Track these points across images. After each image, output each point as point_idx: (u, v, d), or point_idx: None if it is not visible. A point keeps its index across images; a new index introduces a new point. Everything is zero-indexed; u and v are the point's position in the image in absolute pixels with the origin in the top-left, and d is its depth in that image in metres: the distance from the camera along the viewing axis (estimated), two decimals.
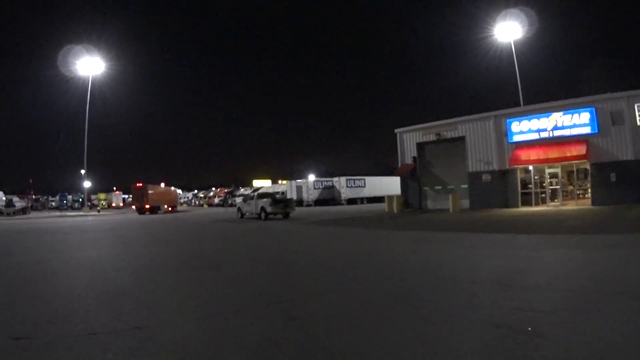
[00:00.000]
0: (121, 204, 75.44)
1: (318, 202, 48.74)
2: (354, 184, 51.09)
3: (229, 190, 66.36)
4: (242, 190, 60.87)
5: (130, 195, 59.62)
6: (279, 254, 13.14)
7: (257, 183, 79.37)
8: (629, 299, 5.79)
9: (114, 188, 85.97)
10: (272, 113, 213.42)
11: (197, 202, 70.74)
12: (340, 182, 49.89)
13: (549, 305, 5.70)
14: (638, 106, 25.84)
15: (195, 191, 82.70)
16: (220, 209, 48.99)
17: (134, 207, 48.82)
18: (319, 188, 50.34)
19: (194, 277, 9.16)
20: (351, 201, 49.29)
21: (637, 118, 25.91)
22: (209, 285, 8.28)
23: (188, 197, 78.22)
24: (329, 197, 49.52)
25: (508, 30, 33.52)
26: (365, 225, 22.62)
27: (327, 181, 51.93)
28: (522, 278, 7.59)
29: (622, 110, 26.17)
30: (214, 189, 77.25)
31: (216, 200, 62.12)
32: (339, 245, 14.83)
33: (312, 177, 56.15)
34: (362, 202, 50.01)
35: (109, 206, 73.23)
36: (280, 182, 69.70)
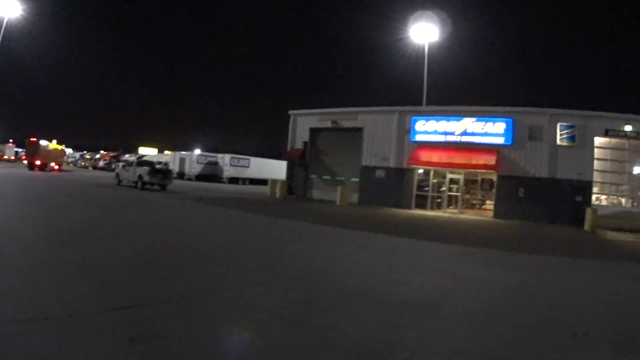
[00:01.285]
0: (13, 157, 67.56)
1: (200, 177, 43.15)
2: (238, 162, 45.16)
3: (115, 154, 61.42)
4: (126, 156, 54.13)
5: (24, 150, 52.76)
6: (149, 234, 10.11)
7: (143, 150, 71.77)
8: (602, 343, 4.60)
9: (10, 140, 74.26)
10: (171, 82, 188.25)
11: (83, 164, 65.60)
12: (224, 159, 44.22)
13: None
14: (561, 125, 22.96)
15: (85, 152, 74.66)
16: (104, 173, 44.52)
17: (25, 161, 44.63)
18: (202, 163, 44.39)
19: (37, 254, 6.86)
20: (233, 180, 43.74)
21: (558, 137, 22.92)
22: (52, 268, 6.06)
23: (75, 158, 71.39)
24: (211, 173, 44.06)
25: (423, 33, 28.78)
26: (246, 208, 18.52)
27: (211, 156, 45.81)
28: (453, 304, 5.83)
29: (542, 126, 23.16)
30: (102, 151, 70.23)
31: (101, 163, 57.86)
32: (217, 230, 12.04)
33: (197, 151, 49.19)
34: (244, 183, 44.45)
35: (1, 158, 64.20)
36: (166, 152, 62.60)
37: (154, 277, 6.11)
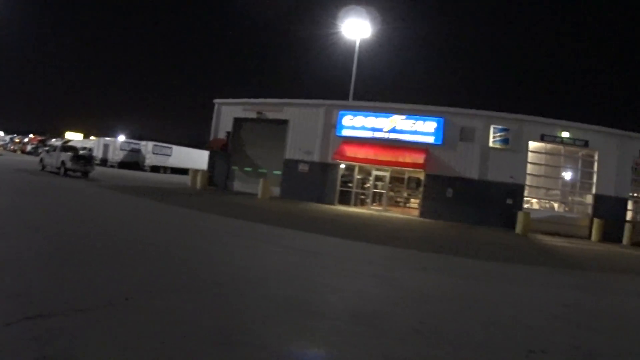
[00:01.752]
0: None
1: (122, 164, 40.67)
2: (161, 151, 42.47)
3: (42, 139, 58.35)
4: (53, 140, 50.92)
5: None
6: (61, 227, 8.62)
7: (69, 135, 67.61)
8: None
9: None
10: (100, 66, 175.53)
11: (12, 147, 62.61)
12: (147, 147, 41.49)
13: None
14: (494, 128, 22.10)
15: (15, 135, 71.30)
16: (31, 157, 40.90)
17: None
18: (125, 150, 41.50)
19: None
20: (155, 169, 41.35)
21: (491, 139, 22.05)
22: None
23: (5, 141, 68.48)
24: (133, 161, 41.52)
25: (355, 28, 27.70)
26: (164, 199, 16.60)
27: (135, 144, 42.89)
28: (393, 318, 5.02)
29: (475, 127, 22.21)
30: (31, 135, 66.97)
31: (29, 147, 54.82)
32: (132, 224, 10.44)
33: (121, 138, 45.64)
34: (165, 172, 41.94)
35: None
36: (91, 137, 59.20)
37: (63, 280, 5.10)
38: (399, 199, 25.38)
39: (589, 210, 22.94)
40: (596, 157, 23.13)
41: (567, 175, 23.56)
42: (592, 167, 23.31)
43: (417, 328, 4.74)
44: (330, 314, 4.92)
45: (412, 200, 24.47)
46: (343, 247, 10.18)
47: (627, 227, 21.46)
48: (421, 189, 22.64)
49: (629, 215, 23.42)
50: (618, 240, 21.19)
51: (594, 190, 22.91)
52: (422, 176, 22.79)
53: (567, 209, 23.67)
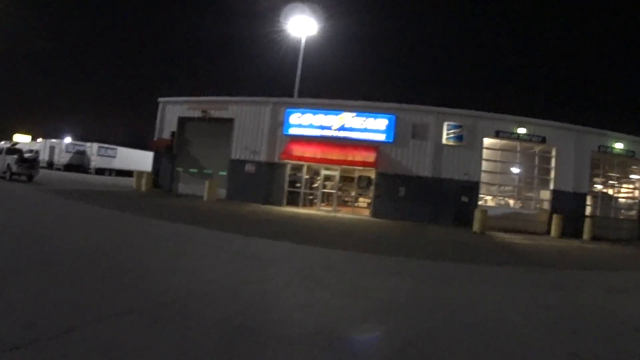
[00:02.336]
0: None
1: (68, 166, 38.62)
2: (106, 152, 40.35)
3: None
4: (2, 143, 48.68)
5: None
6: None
7: (18, 138, 61.59)
8: None
9: None
10: (47, 65, 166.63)
11: None
12: (92, 149, 39.45)
13: None
14: (448, 124, 20.95)
15: None
16: None
17: None
18: (71, 152, 39.37)
19: None
20: (100, 171, 39.34)
21: (444, 136, 20.89)
22: None
23: None
24: (79, 163, 39.46)
25: (301, 26, 26.44)
26: (107, 203, 14.99)
27: (80, 145, 40.71)
28: (373, 338, 4.36)
29: (427, 124, 20.93)
30: None
31: None
32: (73, 233, 8.87)
33: (67, 139, 43.17)
34: (110, 174, 39.97)
35: None
36: (39, 139, 53.07)
37: None
38: (349, 199, 23.96)
39: (547, 206, 21.97)
40: (553, 153, 22.11)
41: (524, 171, 22.37)
42: (549, 163, 22.28)
43: (403, 350, 4.01)
44: (301, 338, 3.97)
45: (362, 199, 23.02)
46: (298, 253, 9.06)
47: (586, 222, 20.72)
48: (372, 188, 21.18)
49: (587, 210, 22.47)
50: (578, 235, 20.43)
51: (551, 186, 21.92)
52: (373, 175, 21.36)
53: (522, 205, 22.54)
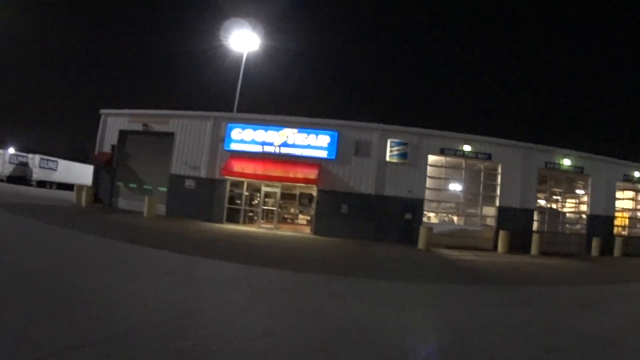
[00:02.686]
0: None
1: (11, 178, 37.04)
2: (47, 165, 38.55)
3: None
4: None
5: None
6: None
7: None
8: None
9: None
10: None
11: None
12: (34, 161, 37.76)
13: None
14: (391, 142, 20.44)
15: None
16: None
17: None
18: (14, 163, 37.66)
19: None
20: (41, 183, 37.86)
21: (388, 153, 20.36)
22: None
23: None
24: (22, 175, 37.71)
25: (243, 41, 25.95)
26: (44, 218, 14.29)
27: (22, 156, 38.86)
28: None
29: (370, 141, 20.36)
30: None
31: None
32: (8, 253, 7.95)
33: (11, 150, 41.70)
34: (52, 187, 38.46)
35: None
36: None
37: None
38: (290, 216, 23.32)
39: (493, 222, 21.58)
40: (499, 170, 21.69)
41: (469, 188, 21.96)
42: (495, 179, 21.87)
43: None
44: None
45: (304, 217, 22.41)
46: (248, 275, 8.46)
47: (534, 237, 20.59)
48: (314, 205, 20.52)
49: (535, 226, 22.21)
50: (525, 250, 20.31)
51: (497, 203, 21.47)
52: (315, 192, 20.71)
53: (466, 222, 22.20)
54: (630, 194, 25.93)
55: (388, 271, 11.08)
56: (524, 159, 22.02)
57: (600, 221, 23.80)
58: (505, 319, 6.40)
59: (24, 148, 46.93)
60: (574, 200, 24.52)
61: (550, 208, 24.27)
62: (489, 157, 21.64)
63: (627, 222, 25.57)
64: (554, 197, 24.89)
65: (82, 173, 38.83)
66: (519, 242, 20.84)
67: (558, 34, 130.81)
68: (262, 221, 20.91)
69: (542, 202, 23.92)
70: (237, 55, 26.31)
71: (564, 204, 24.83)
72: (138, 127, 21.73)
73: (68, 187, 37.09)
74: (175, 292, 6.32)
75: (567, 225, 24.38)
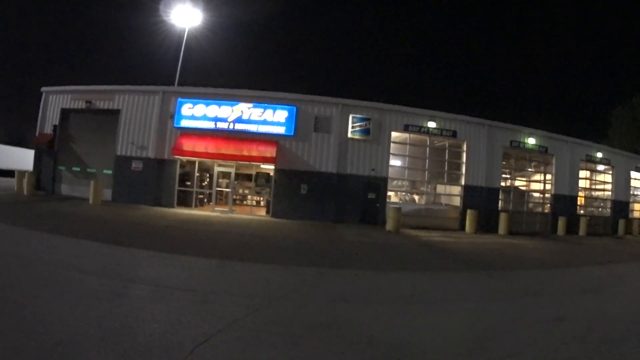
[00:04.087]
0: None
1: None
2: None
3: None
4: None
5: None
6: None
7: None
8: None
9: None
10: None
11: None
12: None
13: None
14: (353, 117, 18.12)
15: None
16: None
17: None
18: None
19: None
20: None
21: (349, 129, 18.02)
22: None
23: None
24: None
25: (186, 16, 23.42)
26: None
27: None
28: None
29: (331, 117, 17.96)
30: None
31: None
32: None
33: None
34: None
35: None
36: None
37: None
38: (245, 198, 20.84)
39: (457, 201, 19.89)
40: (464, 148, 19.78)
41: (433, 166, 19.94)
42: (460, 157, 19.96)
43: None
44: None
45: (260, 198, 19.96)
46: (228, 275, 6.58)
47: (502, 216, 19.05)
48: (272, 185, 18.07)
49: (500, 205, 20.41)
50: (492, 230, 18.86)
51: (462, 182, 19.55)
52: (271, 172, 18.27)
53: (428, 201, 20.21)
54: (587, 173, 24.57)
55: (373, 259, 9.53)
56: (489, 137, 20.24)
57: (564, 201, 22.33)
58: (532, 314, 5.40)
59: None
60: (538, 180, 22.84)
61: (515, 187, 22.54)
62: (454, 134, 19.73)
63: (583, 202, 24.21)
64: (519, 176, 23.20)
65: (22, 158, 34.91)
66: (485, 222, 19.13)
67: (523, 10, 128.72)
68: (218, 204, 18.32)
69: (507, 181, 22.15)
70: (180, 31, 23.69)
71: (528, 183, 23.13)
72: (81, 104, 18.81)
73: (7, 173, 33.26)
74: (155, 310, 4.33)
75: (531, 204, 22.69)
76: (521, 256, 11.75)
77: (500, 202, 20.74)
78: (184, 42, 21.96)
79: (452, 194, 20.13)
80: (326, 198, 17.94)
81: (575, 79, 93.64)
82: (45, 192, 19.11)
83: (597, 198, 25.31)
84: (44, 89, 19.61)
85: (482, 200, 19.83)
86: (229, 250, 8.82)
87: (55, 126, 19.11)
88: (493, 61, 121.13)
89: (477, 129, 20.14)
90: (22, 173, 19.49)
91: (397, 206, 17.12)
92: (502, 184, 21.26)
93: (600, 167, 25.13)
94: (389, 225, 16.10)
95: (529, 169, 22.93)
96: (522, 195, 22.41)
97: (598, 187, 25.32)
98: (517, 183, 23.10)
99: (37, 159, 19.53)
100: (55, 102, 19.37)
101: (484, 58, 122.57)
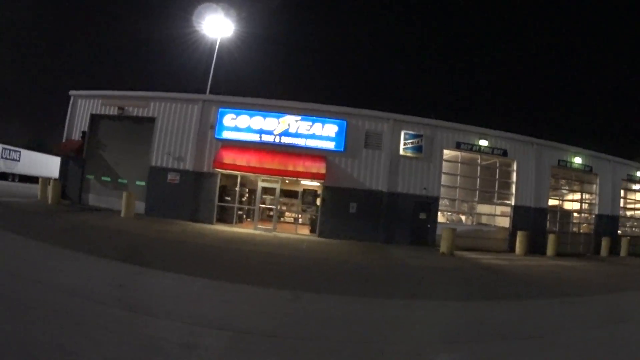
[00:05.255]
0: None
1: None
2: (9, 155, 31.34)
3: None
4: None
5: None
6: None
7: None
8: None
9: None
10: None
11: None
12: None
13: None
14: (405, 133, 16.28)
15: None
16: None
17: None
18: None
19: None
20: (2, 176, 31.18)
21: (401, 146, 16.23)
22: None
23: None
24: None
25: (216, 27, 21.21)
26: (5, 224, 9.39)
27: None
28: None
29: (382, 132, 16.14)
30: None
31: None
32: None
33: None
34: (14, 179, 31.84)
35: None
36: None
37: None
38: (290, 215, 18.77)
39: (505, 221, 18.05)
40: (514, 167, 17.85)
41: (484, 186, 18.00)
42: (509, 177, 18.05)
43: None
44: None
45: (305, 216, 17.89)
46: (281, 307, 5.17)
47: (550, 238, 17.28)
48: (319, 203, 16.00)
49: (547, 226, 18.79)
50: (539, 252, 17.07)
51: (512, 202, 17.62)
52: (319, 189, 16.21)
53: (471, 221, 18.36)
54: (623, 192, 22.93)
55: (447, 287, 8.38)
56: (538, 156, 18.41)
57: (606, 221, 20.58)
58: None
59: None
60: (580, 199, 21.08)
61: (562, 207, 20.73)
62: (504, 153, 17.83)
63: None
64: (563, 196, 21.38)
65: (46, 164, 32.73)
66: (533, 243, 17.28)
67: (573, 32, 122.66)
68: (261, 222, 16.20)
69: (552, 201, 20.33)
70: (212, 41, 21.53)
71: (572, 203, 21.31)
72: (113, 110, 16.57)
73: (32, 179, 31.23)
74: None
75: (575, 224, 20.92)
76: (583, 279, 10.90)
77: (547, 222, 18.94)
78: (216, 52, 19.71)
79: (497, 214, 18.29)
80: (375, 217, 15.99)
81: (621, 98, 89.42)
82: (70, 201, 16.86)
83: (631, 217, 23.60)
84: (72, 92, 17.34)
85: (530, 220, 18.04)
86: (295, 278, 7.56)
87: (84, 132, 16.87)
88: (536, 78, 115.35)
89: (526, 148, 18.35)
90: (45, 180, 17.19)
91: (452, 227, 15.20)
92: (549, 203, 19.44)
93: (636, 187, 23.42)
94: (443, 246, 14.37)
95: (573, 189, 21.13)
96: (567, 216, 20.60)
97: (636, 206, 23.62)
98: (560, 203, 21.29)
99: (64, 166, 17.27)
100: (85, 107, 17.12)
101: (527, 75, 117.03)
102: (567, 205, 21.37)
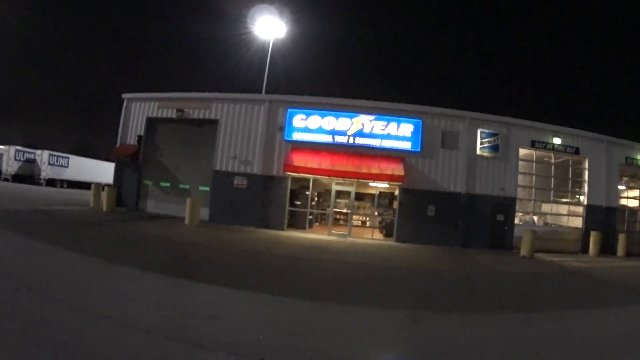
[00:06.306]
0: None
1: (17, 177, 28.56)
2: (57, 161, 29.79)
3: None
4: None
5: None
6: None
7: None
8: None
9: None
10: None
11: None
12: (42, 157, 29.18)
13: None
14: (481, 132, 14.79)
15: None
16: None
17: None
18: (20, 160, 28.74)
19: None
20: (51, 182, 29.55)
21: (478, 145, 14.73)
22: None
23: None
24: (29, 173, 29.40)
25: (270, 26, 19.58)
26: (48, 233, 8.06)
27: (29, 153, 29.62)
28: None
29: (458, 132, 14.65)
30: None
31: None
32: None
33: (15, 146, 30.21)
34: (62, 185, 30.04)
35: None
36: None
37: None
38: (357, 219, 17.12)
39: (577, 222, 16.57)
40: (586, 165, 16.31)
41: (557, 185, 16.63)
42: (581, 175, 16.48)
43: None
44: None
45: (365, 219, 16.23)
46: (407, 332, 4.18)
47: (621, 237, 16.05)
48: (395, 207, 14.35)
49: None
50: (609, 252, 15.85)
51: (585, 201, 16.08)
52: (395, 191, 14.57)
53: (547, 222, 16.97)
54: None
55: (547, 295, 7.43)
56: (607, 153, 16.85)
57: None
58: None
59: (28, 144, 36.46)
60: None
61: (630, 206, 19.17)
62: (576, 151, 16.34)
63: None
64: (630, 194, 19.81)
65: (96, 170, 31.30)
66: (603, 243, 15.83)
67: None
68: (335, 227, 14.52)
69: (620, 200, 18.80)
70: (266, 42, 19.97)
71: (638, 201, 19.76)
72: (171, 113, 14.94)
73: (80, 185, 29.80)
74: None
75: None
76: None
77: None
78: (269, 52, 18.12)
79: (567, 213, 16.78)
80: (453, 220, 14.35)
81: None
82: (127, 208, 15.15)
83: None
84: (125, 95, 15.68)
85: (601, 220, 16.54)
86: (399, 293, 6.38)
87: (139, 136, 15.21)
88: (599, 74, 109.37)
89: (596, 145, 16.84)
90: (98, 186, 15.47)
91: (532, 229, 13.73)
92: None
93: None
94: (524, 249, 13.14)
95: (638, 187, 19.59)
96: (634, 214, 19.05)
97: None
98: (629, 202, 19.73)
99: (118, 172, 15.56)
100: (139, 110, 15.47)
101: (593, 71, 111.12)
102: (632, 204, 19.85)
